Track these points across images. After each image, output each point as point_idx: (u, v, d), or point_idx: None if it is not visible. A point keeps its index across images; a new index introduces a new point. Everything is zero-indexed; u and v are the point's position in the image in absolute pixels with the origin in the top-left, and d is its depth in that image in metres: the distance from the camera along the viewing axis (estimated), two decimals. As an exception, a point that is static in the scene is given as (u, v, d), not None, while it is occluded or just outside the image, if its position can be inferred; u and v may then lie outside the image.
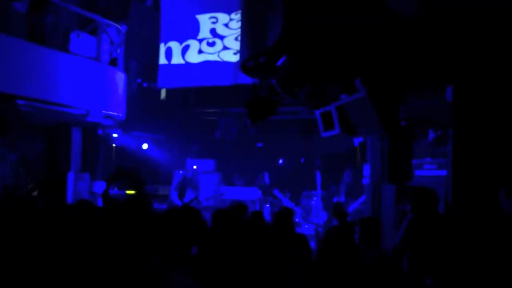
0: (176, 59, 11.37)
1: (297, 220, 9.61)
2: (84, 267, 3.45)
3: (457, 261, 3.77)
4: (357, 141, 8.83)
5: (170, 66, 11.44)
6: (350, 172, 9.63)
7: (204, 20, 11.14)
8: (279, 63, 4.83)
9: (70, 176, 9.06)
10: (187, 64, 11.26)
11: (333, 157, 10.85)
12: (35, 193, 8.88)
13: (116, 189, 10.55)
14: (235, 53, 10.59)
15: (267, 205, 10.31)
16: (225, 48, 10.92)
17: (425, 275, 4.02)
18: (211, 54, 11.04)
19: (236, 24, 10.66)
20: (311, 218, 9.57)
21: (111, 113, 8.97)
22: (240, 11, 9.43)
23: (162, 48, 11.51)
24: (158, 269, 3.09)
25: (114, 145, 10.88)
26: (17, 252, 3.37)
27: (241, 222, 5.09)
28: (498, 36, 4.16)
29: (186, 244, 3.36)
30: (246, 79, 8.87)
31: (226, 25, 10.94)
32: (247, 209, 5.37)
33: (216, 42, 11.01)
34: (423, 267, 4.04)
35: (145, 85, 12.23)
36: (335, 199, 9.46)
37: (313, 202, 9.90)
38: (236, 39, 10.59)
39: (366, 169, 7.97)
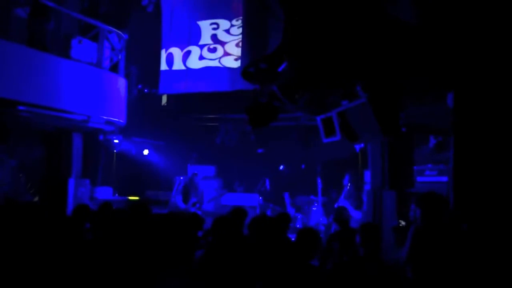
0: (177, 65, 11.39)
1: (298, 226, 9.60)
2: (84, 270, 3.44)
3: (461, 268, 3.75)
4: (358, 147, 8.82)
5: (171, 72, 11.46)
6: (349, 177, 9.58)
7: (205, 26, 11.17)
8: (280, 69, 4.83)
9: (71, 182, 9.04)
10: (188, 70, 11.28)
11: (333, 163, 10.83)
12: (35, 199, 8.87)
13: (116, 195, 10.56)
14: (236, 59, 10.61)
15: (268, 211, 10.29)
16: (226, 54, 10.94)
17: (430, 284, 4.00)
18: (212, 60, 11.06)
19: (237, 30, 10.68)
20: (312, 224, 9.55)
21: (112, 119, 8.98)
22: (241, 17, 9.45)
23: (163, 54, 11.53)
24: (157, 274, 3.08)
25: (115, 151, 10.88)
26: (17, 257, 3.36)
27: (241, 227, 5.08)
28: (499, 42, 4.17)
29: (187, 249, 3.34)
30: (246, 85, 8.88)
31: (227, 31, 10.96)
32: (247, 215, 5.36)
33: (217, 48, 11.03)
34: (428, 276, 4.01)
35: (146, 91, 12.25)
36: (336, 205, 9.40)
37: (314, 208, 9.89)
38: (237, 45, 10.61)
39: (367, 175, 7.95)
